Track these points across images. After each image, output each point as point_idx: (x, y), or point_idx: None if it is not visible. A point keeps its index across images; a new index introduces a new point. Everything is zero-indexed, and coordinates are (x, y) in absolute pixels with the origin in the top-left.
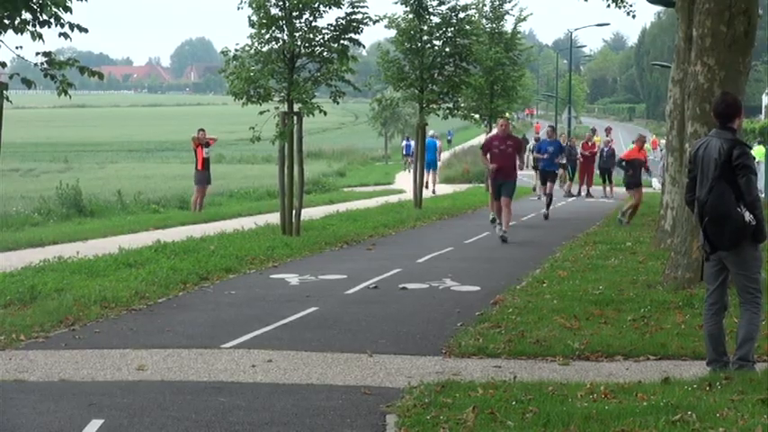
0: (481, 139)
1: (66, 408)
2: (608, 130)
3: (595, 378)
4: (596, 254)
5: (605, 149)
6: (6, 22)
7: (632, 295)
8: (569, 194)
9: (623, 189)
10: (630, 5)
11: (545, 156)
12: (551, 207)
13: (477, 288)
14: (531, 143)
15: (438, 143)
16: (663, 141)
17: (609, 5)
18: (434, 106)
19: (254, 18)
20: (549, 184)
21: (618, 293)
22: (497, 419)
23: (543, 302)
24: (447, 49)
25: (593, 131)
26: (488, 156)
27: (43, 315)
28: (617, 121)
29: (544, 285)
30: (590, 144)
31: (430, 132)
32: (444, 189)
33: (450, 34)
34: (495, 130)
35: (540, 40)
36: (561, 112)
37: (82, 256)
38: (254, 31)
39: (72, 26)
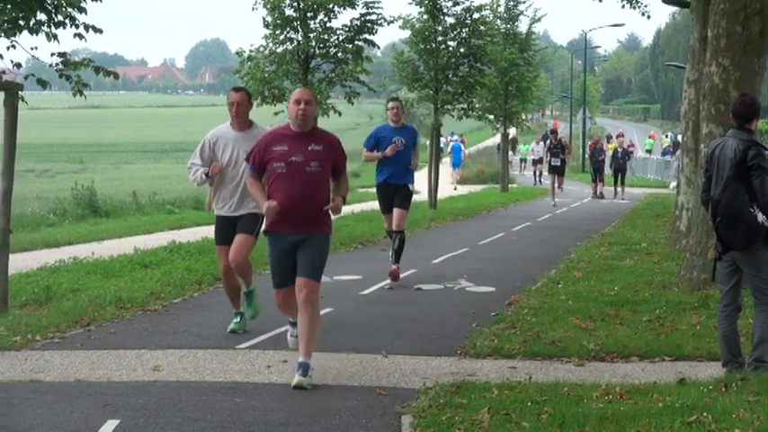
0: (497, 139)
1: (81, 408)
2: (620, 135)
3: (611, 379)
4: (611, 255)
5: (620, 150)
6: (21, 23)
7: (648, 296)
8: (596, 196)
9: (639, 189)
10: (645, 6)
11: (384, 154)
12: (400, 255)
13: (493, 289)
14: (539, 144)
15: (462, 145)
16: (663, 136)
17: (623, 6)
18: (449, 107)
19: (269, 19)
20: (396, 210)
21: (633, 294)
22: (513, 420)
23: (558, 303)
24: (461, 50)
25: (609, 138)
26: (263, 180)
27: (59, 315)
28: (631, 121)
29: (559, 286)
30: (597, 145)
31: (455, 136)
32: (459, 190)
33: (464, 35)
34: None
35: (555, 40)
36: (576, 113)
37: (97, 256)
38: (268, 31)
39: (87, 27)
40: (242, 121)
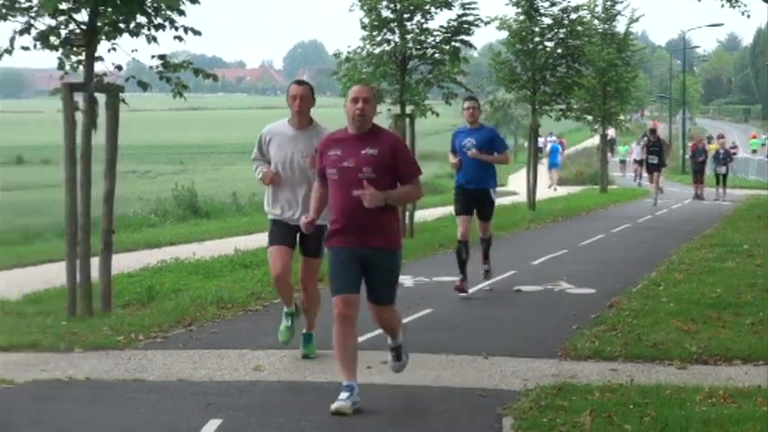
0: (595, 140)
1: (184, 407)
2: (720, 137)
3: (714, 382)
4: (713, 257)
5: (721, 151)
6: (122, 25)
7: (750, 299)
8: (697, 197)
9: (740, 191)
10: (745, 5)
11: (461, 158)
12: (489, 265)
13: (593, 290)
14: (640, 144)
15: (560, 146)
16: (764, 136)
17: (723, 5)
18: (547, 108)
19: (366, 20)
20: (480, 223)
21: (735, 297)
22: (614, 423)
23: (660, 305)
24: (559, 51)
25: (709, 139)
26: (319, 185)
27: (161, 315)
28: (732, 122)
29: (660, 288)
30: (699, 146)
31: (552, 137)
32: (558, 191)
33: (561, 35)
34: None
35: (653, 40)
36: (675, 114)
37: (198, 257)
38: (365, 33)
39: (186, 29)
40: (303, 117)
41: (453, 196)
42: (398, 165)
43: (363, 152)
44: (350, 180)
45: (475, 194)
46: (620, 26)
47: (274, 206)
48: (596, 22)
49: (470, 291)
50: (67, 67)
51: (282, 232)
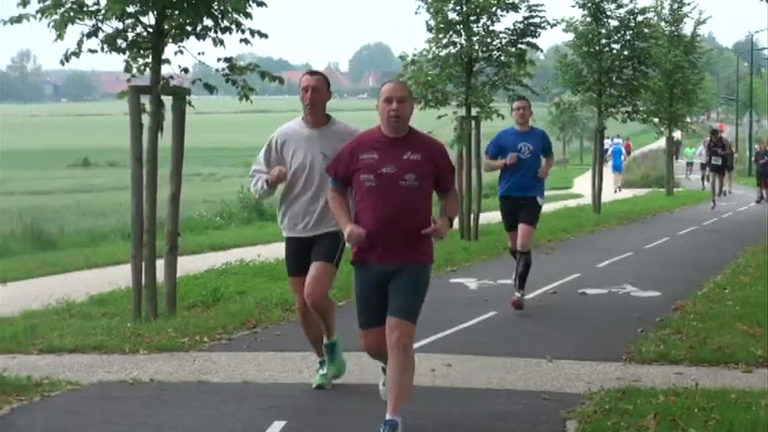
0: (661, 143)
1: (248, 409)
2: None
3: None
4: None
5: None
6: (189, 28)
7: None
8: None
9: None
10: None
11: (504, 163)
12: (525, 280)
13: (658, 293)
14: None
15: (622, 149)
16: None
17: None
18: (613, 110)
19: (432, 23)
20: (522, 226)
21: None
22: (679, 427)
23: (725, 309)
24: (625, 53)
25: None
26: (338, 193)
27: (226, 317)
28: None
29: (726, 291)
30: (764, 149)
31: (616, 140)
32: (623, 193)
33: (628, 37)
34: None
35: (720, 42)
36: (742, 116)
37: (263, 259)
38: (431, 35)
39: (252, 32)
40: (317, 113)
41: (500, 207)
42: (440, 173)
43: (405, 156)
44: (389, 187)
45: (520, 204)
46: (687, 28)
47: (286, 217)
48: (663, 24)
49: (532, 294)
50: (134, 70)
51: (300, 256)
